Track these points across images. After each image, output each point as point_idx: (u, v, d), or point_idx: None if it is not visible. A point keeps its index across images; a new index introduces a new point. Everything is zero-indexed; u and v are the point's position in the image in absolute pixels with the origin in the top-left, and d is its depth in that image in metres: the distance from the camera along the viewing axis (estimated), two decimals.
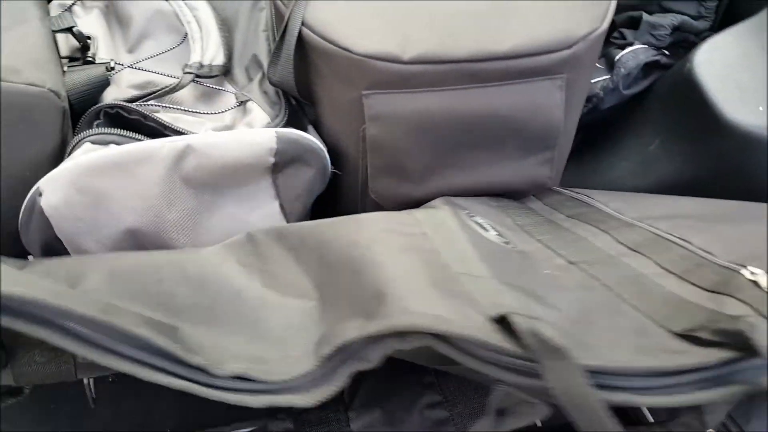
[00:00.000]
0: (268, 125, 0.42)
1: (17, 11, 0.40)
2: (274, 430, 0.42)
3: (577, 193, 0.46)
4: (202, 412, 0.44)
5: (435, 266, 0.30)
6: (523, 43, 0.40)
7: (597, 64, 0.57)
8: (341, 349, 0.24)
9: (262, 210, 0.42)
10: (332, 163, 0.44)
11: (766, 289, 0.28)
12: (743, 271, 0.30)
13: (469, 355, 0.24)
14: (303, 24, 0.40)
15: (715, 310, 0.28)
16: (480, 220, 0.38)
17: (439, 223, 0.37)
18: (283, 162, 0.41)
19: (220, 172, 0.39)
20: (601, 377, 0.23)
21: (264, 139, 0.40)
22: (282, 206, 0.43)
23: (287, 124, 0.43)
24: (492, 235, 0.37)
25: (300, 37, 0.41)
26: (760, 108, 0.48)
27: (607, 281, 0.32)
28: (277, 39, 0.42)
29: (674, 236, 0.36)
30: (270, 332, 0.28)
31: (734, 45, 0.51)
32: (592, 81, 0.56)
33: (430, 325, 0.23)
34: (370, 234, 0.34)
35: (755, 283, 0.29)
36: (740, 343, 0.24)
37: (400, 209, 0.45)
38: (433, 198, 0.45)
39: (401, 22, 0.40)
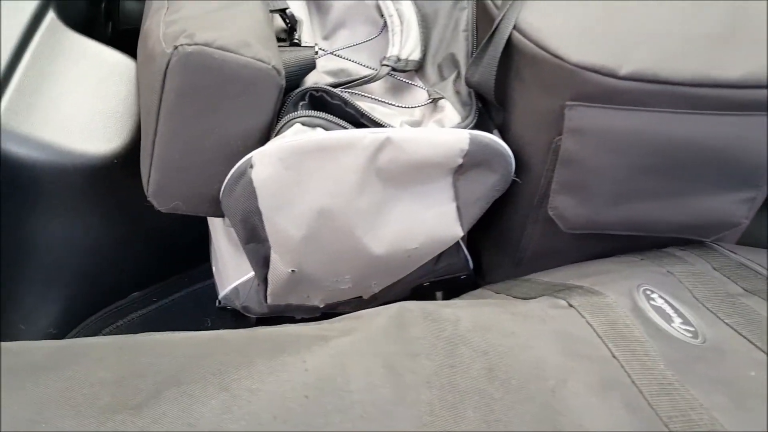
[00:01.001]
0: (459, 125, 0.41)
1: None
2: None
3: (746, 258, 0.41)
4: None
5: (639, 412, 0.28)
6: (751, 73, 0.37)
7: None
8: None
9: (438, 210, 0.42)
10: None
11: None
12: None
13: None
14: (515, 27, 0.39)
15: None
16: (659, 302, 0.35)
17: (612, 322, 0.33)
18: (469, 164, 0.41)
19: (410, 167, 0.39)
20: None
21: (457, 139, 0.39)
22: (458, 208, 0.42)
23: (476, 126, 0.43)
24: (677, 325, 0.33)
25: (509, 40, 0.40)
26: None
27: None
28: (483, 40, 0.41)
29: None
30: None
31: None
32: None
33: None
34: (554, 360, 0.30)
35: None
36: None
37: (575, 231, 0.44)
38: (615, 227, 0.43)
39: (621, 35, 0.38)
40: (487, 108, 0.45)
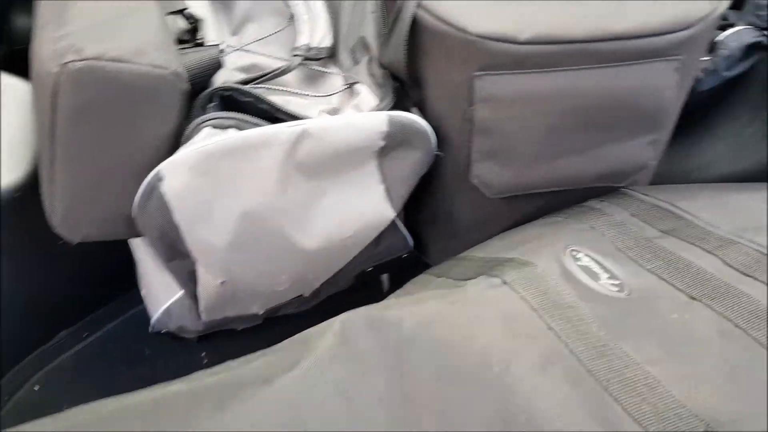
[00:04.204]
0: (377, 107, 0.42)
1: None
2: None
3: (658, 199, 0.44)
4: None
5: (579, 383, 0.29)
6: (642, 24, 0.39)
7: None
8: None
9: (369, 194, 0.42)
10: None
11: None
12: None
13: None
14: (418, 5, 0.40)
15: None
16: (585, 261, 0.37)
17: (544, 292, 0.34)
18: (391, 145, 0.41)
19: (332, 156, 0.39)
20: None
21: (376, 122, 0.40)
22: (387, 189, 0.43)
23: (394, 106, 0.43)
24: (604, 282, 0.35)
25: (414, 17, 0.40)
26: None
27: (739, 321, 0.31)
28: (390, 20, 0.41)
29: None
30: None
31: None
32: None
33: None
34: (497, 344, 0.31)
35: None
36: None
37: (500, 196, 0.45)
38: (538, 186, 0.44)
39: (519, 4, 0.39)
40: (404, 86, 0.45)
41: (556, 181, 0.44)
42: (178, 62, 0.37)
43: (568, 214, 0.44)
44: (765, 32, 0.54)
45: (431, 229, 0.54)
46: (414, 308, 0.34)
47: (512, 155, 0.42)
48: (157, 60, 0.35)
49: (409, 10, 0.40)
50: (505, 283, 0.35)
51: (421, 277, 0.44)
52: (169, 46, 0.38)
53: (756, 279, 0.34)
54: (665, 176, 0.57)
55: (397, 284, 0.44)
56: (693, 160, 0.58)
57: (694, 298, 0.34)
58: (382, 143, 0.40)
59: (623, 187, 0.47)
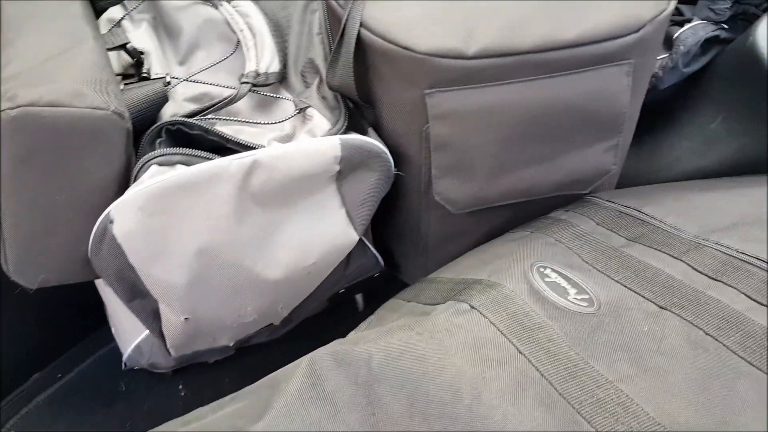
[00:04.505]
0: (330, 131, 0.41)
1: (73, 31, 0.39)
2: None
3: (623, 205, 0.44)
4: None
5: (552, 407, 0.28)
6: (589, 30, 0.38)
7: None
8: None
9: (330, 219, 0.42)
10: (394, 165, 0.43)
11: None
12: None
13: None
14: (361, 25, 0.39)
15: None
16: (553, 277, 0.36)
17: (513, 314, 0.34)
18: (347, 169, 0.40)
19: (288, 184, 0.38)
20: None
21: (329, 147, 0.39)
22: (348, 213, 0.42)
23: (348, 129, 0.42)
24: (572, 297, 0.35)
25: (358, 39, 0.39)
26: None
27: (709, 328, 0.31)
28: (334, 42, 0.41)
29: (748, 256, 0.35)
30: None
31: None
32: None
33: None
34: (468, 373, 0.30)
35: None
36: None
37: (465, 211, 0.44)
38: (501, 199, 0.44)
39: (462, 16, 0.39)
40: (358, 107, 0.45)
41: (518, 192, 0.44)
42: (120, 101, 0.37)
43: (535, 227, 0.43)
44: (721, 26, 0.54)
45: (401, 246, 0.54)
46: (382, 342, 0.34)
47: (472, 170, 0.42)
48: (96, 101, 0.35)
49: (352, 30, 0.39)
50: (473, 308, 0.35)
51: (392, 302, 0.43)
52: (109, 84, 0.37)
53: (724, 283, 0.34)
54: (632, 176, 0.57)
55: (373, 298, 0.43)
56: (659, 159, 0.58)
57: (663, 308, 0.33)
58: (337, 168, 0.40)
59: (588, 195, 0.46)
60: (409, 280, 0.56)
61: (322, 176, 0.40)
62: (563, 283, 0.36)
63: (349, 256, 0.46)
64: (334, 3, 0.42)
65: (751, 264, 0.34)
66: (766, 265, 0.34)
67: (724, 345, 0.30)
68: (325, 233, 0.42)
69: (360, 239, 0.45)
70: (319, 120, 0.41)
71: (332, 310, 0.54)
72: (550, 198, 0.45)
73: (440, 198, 0.43)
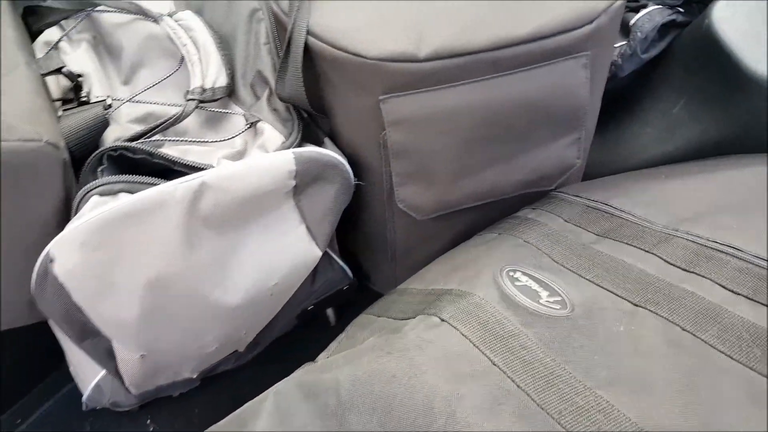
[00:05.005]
0: (283, 145, 0.39)
1: (3, 58, 0.37)
2: None
3: (590, 199, 0.43)
4: None
5: (531, 418, 0.27)
6: (543, 25, 0.37)
7: None
8: None
9: (290, 237, 0.40)
10: (354, 174, 0.42)
11: None
12: None
13: None
14: (308, 32, 0.37)
15: None
16: (523, 280, 0.35)
17: (484, 324, 0.32)
18: (304, 183, 0.39)
19: (241, 205, 0.37)
20: None
21: (282, 162, 0.37)
22: (308, 228, 0.40)
23: (302, 141, 0.40)
24: (545, 301, 0.34)
25: (306, 47, 0.38)
26: None
27: (686, 324, 0.30)
28: (281, 52, 0.39)
29: (719, 244, 0.34)
30: None
31: None
32: None
33: None
34: (441, 391, 0.29)
35: None
36: None
37: (430, 216, 0.43)
38: (465, 202, 0.42)
39: (412, 19, 0.37)
40: (312, 117, 0.43)
41: (482, 194, 0.42)
42: (55, 130, 0.34)
43: (503, 229, 0.42)
44: (677, 10, 0.54)
45: (369, 255, 0.52)
46: (351, 367, 0.32)
47: (433, 175, 0.41)
48: (27, 133, 0.32)
49: (299, 39, 0.37)
50: (443, 320, 0.33)
51: (361, 318, 0.42)
52: (42, 112, 0.35)
53: (698, 274, 0.33)
54: (599, 166, 0.57)
55: (346, 310, 0.41)
56: (624, 147, 0.57)
57: (638, 305, 0.32)
58: (293, 182, 0.38)
59: (554, 190, 0.45)
60: (380, 289, 0.55)
61: (278, 193, 0.38)
62: (534, 285, 0.35)
63: (314, 271, 0.44)
64: (278, 11, 0.40)
65: (724, 252, 0.34)
66: (738, 253, 0.33)
67: (702, 340, 0.30)
68: (285, 252, 0.40)
69: (325, 252, 0.43)
70: (271, 133, 0.40)
71: (303, 327, 0.52)
72: (516, 196, 0.44)
73: (404, 205, 0.42)
